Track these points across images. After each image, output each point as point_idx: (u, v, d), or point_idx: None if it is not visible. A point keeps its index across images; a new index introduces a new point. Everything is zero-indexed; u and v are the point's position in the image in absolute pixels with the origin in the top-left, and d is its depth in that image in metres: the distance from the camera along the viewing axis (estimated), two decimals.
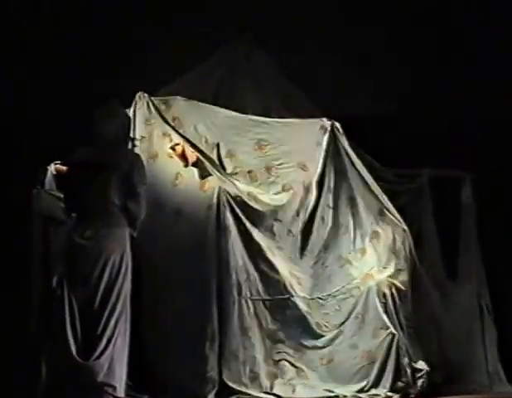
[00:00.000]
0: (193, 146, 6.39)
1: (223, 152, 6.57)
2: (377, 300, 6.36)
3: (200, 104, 6.58)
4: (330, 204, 6.66)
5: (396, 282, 6.46)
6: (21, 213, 6.15)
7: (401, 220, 6.64)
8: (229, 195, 6.31)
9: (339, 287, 6.49)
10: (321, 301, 6.43)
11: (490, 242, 7.08)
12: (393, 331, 6.31)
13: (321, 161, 6.67)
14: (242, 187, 6.41)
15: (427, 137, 7.09)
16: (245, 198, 6.35)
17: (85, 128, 5.48)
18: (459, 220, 7.07)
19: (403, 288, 6.47)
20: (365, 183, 6.64)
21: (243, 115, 6.63)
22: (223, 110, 6.60)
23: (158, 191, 6.22)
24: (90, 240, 5.33)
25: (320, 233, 6.60)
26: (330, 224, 6.62)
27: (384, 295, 6.41)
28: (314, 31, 7.13)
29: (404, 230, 6.57)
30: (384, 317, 6.31)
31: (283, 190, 6.55)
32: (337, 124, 6.73)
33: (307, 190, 6.62)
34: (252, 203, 6.36)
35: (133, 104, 6.42)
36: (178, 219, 6.24)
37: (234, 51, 6.91)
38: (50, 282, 5.59)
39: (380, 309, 6.33)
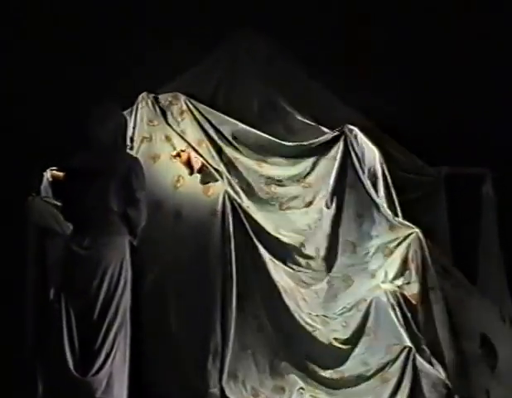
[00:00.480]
0: (198, 152, 6.27)
1: (224, 160, 6.41)
2: (389, 310, 6.06)
3: (208, 108, 6.47)
4: (338, 222, 6.41)
5: (406, 293, 6.17)
6: (15, 222, 6.04)
7: (413, 226, 6.35)
8: (236, 203, 6.10)
9: (346, 304, 6.22)
10: (326, 319, 6.17)
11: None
12: (409, 344, 5.95)
13: (333, 176, 6.45)
14: (246, 199, 6.27)
15: (442, 135, 6.92)
16: (250, 211, 6.19)
17: (82, 131, 5.39)
18: (476, 221, 6.80)
19: (413, 301, 6.17)
20: (373, 201, 6.38)
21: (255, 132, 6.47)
22: (234, 121, 6.47)
23: (158, 193, 6.02)
24: (89, 249, 5.21)
25: (323, 252, 6.35)
26: (337, 242, 6.37)
27: (397, 304, 6.10)
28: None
29: (419, 237, 6.28)
30: (400, 328, 6.00)
31: (281, 208, 6.36)
32: (356, 131, 6.50)
33: (309, 207, 6.42)
34: (255, 217, 6.19)
35: (136, 104, 6.31)
36: (178, 222, 6.01)
37: (235, 47, 6.70)
38: (46, 294, 5.51)
39: (393, 319, 6.02)
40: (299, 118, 6.55)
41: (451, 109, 6.95)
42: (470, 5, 6.85)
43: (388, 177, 6.46)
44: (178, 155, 6.19)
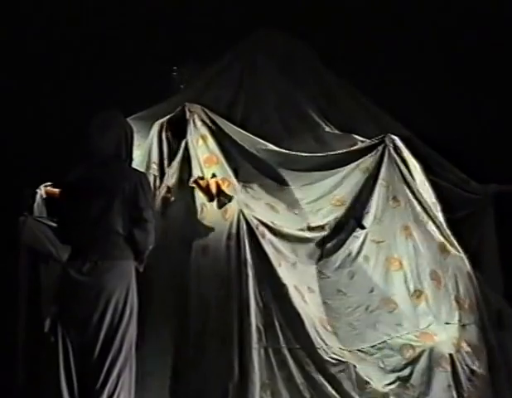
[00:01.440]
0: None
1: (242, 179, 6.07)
2: (439, 371, 5.50)
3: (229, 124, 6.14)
4: (378, 238, 5.94)
5: (464, 345, 5.60)
6: (4, 245, 5.94)
7: (460, 250, 5.90)
8: (252, 221, 5.69)
9: (386, 337, 5.68)
10: (361, 354, 5.63)
11: None
12: None
13: (363, 189, 6.02)
14: (266, 216, 5.85)
15: (490, 150, 6.66)
16: (270, 226, 5.77)
17: (81, 142, 5.14)
18: None
19: (470, 350, 5.58)
20: (425, 212, 5.92)
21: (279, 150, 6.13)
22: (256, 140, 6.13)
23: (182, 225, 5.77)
24: (89, 275, 4.92)
25: (363, 273, 5.88)
26: (376, 262, 5.89)
27: (451, 362, 5.51)
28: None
29: (469, 273, 5.79)
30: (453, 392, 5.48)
31: (309, 229, 5.94)
32: (397, 142, 6.10)
33: (343, 228, 5.99)
34: (276, 235, 5.78)
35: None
36: (204, 255, 5.69)
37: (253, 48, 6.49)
38: (40, 326, 5.18)
39: (444, 384, 5.48)
40: (328, 129, 6.34)
41: (502, 122, 6.86)
42: None
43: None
44: (196, 183, 5.88)
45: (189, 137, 5.94)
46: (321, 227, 5.92)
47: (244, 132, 6.10)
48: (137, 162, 5.75)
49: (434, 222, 5.88)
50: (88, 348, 4.84)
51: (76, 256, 4.98)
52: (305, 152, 6.12)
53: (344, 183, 6.05)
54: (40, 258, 5.56)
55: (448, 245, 5.83)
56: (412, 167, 6.08)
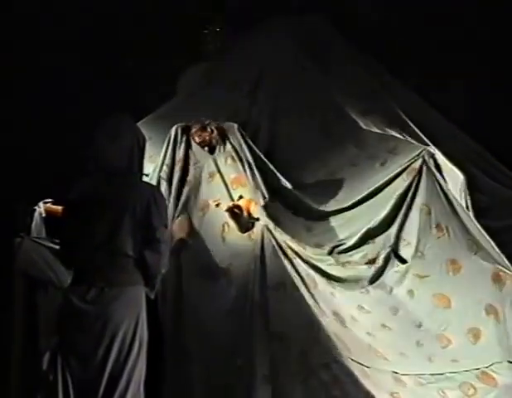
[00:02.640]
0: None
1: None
2: None
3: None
4: (421, 273, 5.50)
5: None
6: None
7: None
8: (279, 241, 5.42)
9: (444, 371, 5.30)
10: (420, 379, 5.26)
11: None
12: None
13: (401, 214, 5.62)
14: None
15: None
16: (299, 252, 5.48)
17: (85, 153, 4.76)
18: None
19: None
20: (473, 241, 5.46)
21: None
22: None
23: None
24: (94, 303, 4.60)
25: (407, 309, 5.47)
26: (422, 297, 5.48)
27: None
28: None
29: None
30: None
31: (337, 262, 5.63)
32: (437, 155, 5.69)
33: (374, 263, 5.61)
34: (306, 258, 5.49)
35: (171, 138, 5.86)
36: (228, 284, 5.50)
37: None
38: (38, 361, 4.81)
39: None
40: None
41: None
42: None
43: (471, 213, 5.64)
44: (232, 211, 5.66)
45: (217, 155, 5.81)
46: (356, 263, 5.60)
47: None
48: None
49: (485, 250, 5.42)
50: (91, 386, 4.53)
51: (79, 282, 4.66)
52: (344, 166, 5.85)
53: (380, 212, 5.68)
54: (37, 284, 5.38)
55: (503, 274, 5.34)
56: (453, 184, 5.66)
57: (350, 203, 5.75)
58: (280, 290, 5.35)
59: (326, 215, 5.76)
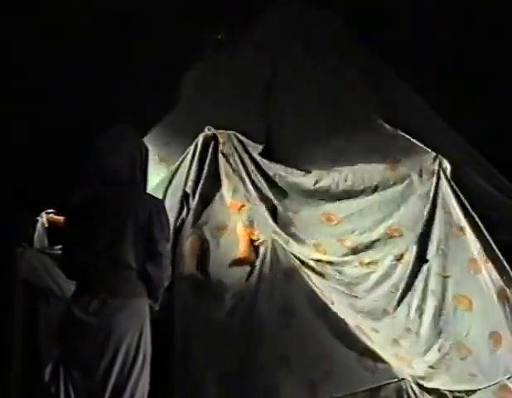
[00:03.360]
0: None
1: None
2: None
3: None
4: (443, 272, 5.40)
5: None
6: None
7: None
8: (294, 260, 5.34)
9: (460, 387, 5.14)
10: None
11: None
12: None
13: (425, 215, 5.49)
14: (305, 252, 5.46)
15: None
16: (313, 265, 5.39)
17: (87, 163, 4.78)
18: None
19: None
20: (487, 244, 5.37)
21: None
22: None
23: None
24: (97, 315, 4.58)
25: (431, 311, 5.35)
26: (443, 298, 5.37)
27: None
28: None
29: None
30: None
31: (361, 264, 5.52)
32: (446, 164, 5.60)
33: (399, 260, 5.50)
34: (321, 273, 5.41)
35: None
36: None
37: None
38: (40, 373, 4.78)
39: None
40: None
41: None
42: None
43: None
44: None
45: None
46: (376, 262, 5.49)
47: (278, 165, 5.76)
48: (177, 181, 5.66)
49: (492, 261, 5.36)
50: None
51: (82, 293, 4.63)
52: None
53: (401, 210, 5.57)
54: (39, 295, 5.34)
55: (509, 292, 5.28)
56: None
57: (362, 188, 5.64)
58: (288, 315, 5.24)
59: (346, 196, 5.66)
